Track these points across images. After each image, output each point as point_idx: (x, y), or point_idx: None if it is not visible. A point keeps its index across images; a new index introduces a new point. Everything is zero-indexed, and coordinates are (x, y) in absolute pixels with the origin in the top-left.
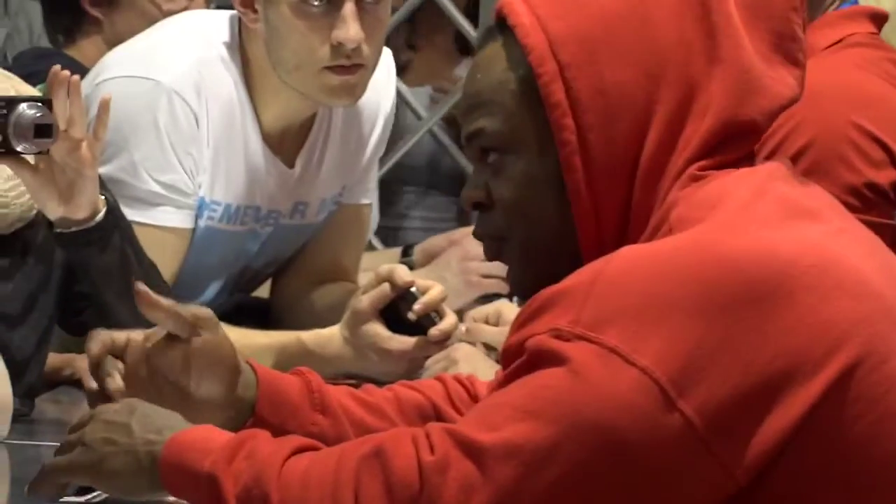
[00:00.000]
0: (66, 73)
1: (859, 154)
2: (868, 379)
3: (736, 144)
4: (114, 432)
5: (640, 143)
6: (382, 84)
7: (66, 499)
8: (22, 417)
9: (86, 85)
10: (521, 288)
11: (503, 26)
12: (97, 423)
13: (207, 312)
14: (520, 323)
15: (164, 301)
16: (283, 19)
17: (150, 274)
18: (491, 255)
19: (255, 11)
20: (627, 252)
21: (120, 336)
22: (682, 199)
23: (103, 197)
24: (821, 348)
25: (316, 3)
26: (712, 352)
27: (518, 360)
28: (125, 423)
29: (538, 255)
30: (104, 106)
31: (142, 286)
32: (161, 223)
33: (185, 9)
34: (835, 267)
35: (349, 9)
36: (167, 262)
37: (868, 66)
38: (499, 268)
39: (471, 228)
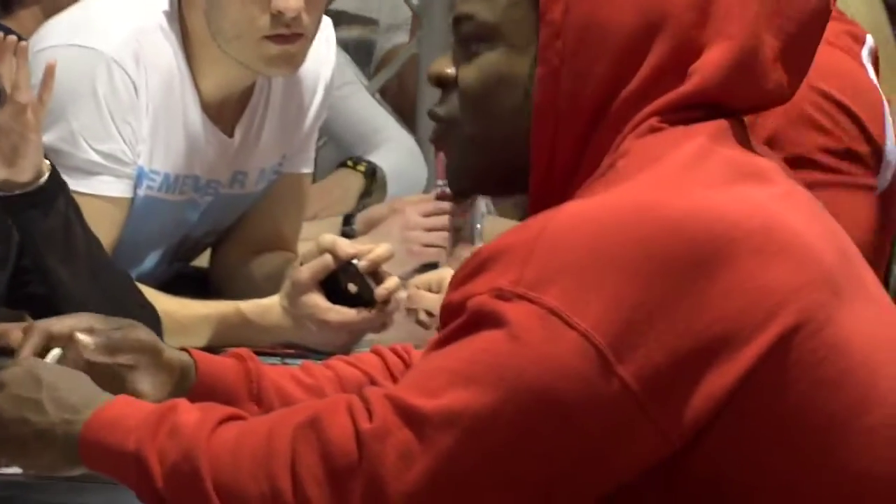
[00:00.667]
0: (13, 37)
1: (828, 118)
2: (805, 345)
3: (703, 114)
4: (25, 409)
5: (618, 87)
6: (322, 53)
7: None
8: None
9: None
10: (456, 178)
11: None
12: (6, 397)
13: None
14: (460, 279)
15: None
16: None
17: (91, 239)
18: (436, 139)
19: None
20: (571, 209)
21: (59, 330)
22: (633, 149)
23: (47, 161)
24: (759, 313)
25: None
26: (650, 315)
27: (458, 319)
28: (36, 399)
29: (481, 150)
30: (50, 70)
31: None
32: (100, 192)
33: None
34: (779, 231)
35: None
36: (106, 232)
37: (832, 38)
38: (440, 238)
39: (412, 198)
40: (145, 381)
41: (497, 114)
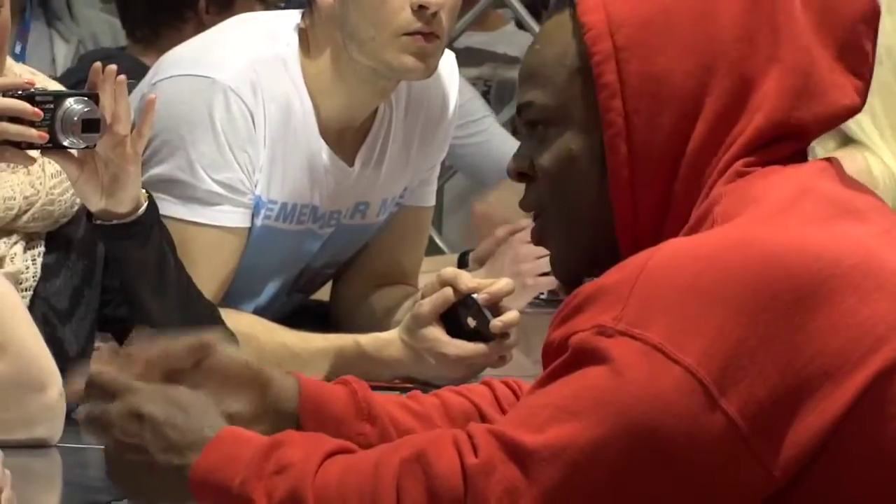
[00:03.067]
0: (112, 67)
1: None
2: None
3: (783, 145)
4: (131, 453)
5: (687, 134)
6: (447, 85)
7: None
8: (71, 417)
9: (144, 85)
10: (559, 267)
11: (572, 1)
12: (113, 441)
13: (203, 340)
14: (561, 318)
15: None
16: None
17: (182, 272)
18: (536, 237)
19: None
20: (671, 247)
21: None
22: (727, 193)
23: (145, 192)
24: (859, 349)
25: None
26: (753, 350)
27: (561, 356)
28: (137, 443)
29: (575, 233)
30: (150, 104)
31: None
32: (219, 223)
33: None
34: (877, 268)
35: None
36: (224, 262)
37: None
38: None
39: (513, 227)
40: (232, 402)
41: (579, 192)
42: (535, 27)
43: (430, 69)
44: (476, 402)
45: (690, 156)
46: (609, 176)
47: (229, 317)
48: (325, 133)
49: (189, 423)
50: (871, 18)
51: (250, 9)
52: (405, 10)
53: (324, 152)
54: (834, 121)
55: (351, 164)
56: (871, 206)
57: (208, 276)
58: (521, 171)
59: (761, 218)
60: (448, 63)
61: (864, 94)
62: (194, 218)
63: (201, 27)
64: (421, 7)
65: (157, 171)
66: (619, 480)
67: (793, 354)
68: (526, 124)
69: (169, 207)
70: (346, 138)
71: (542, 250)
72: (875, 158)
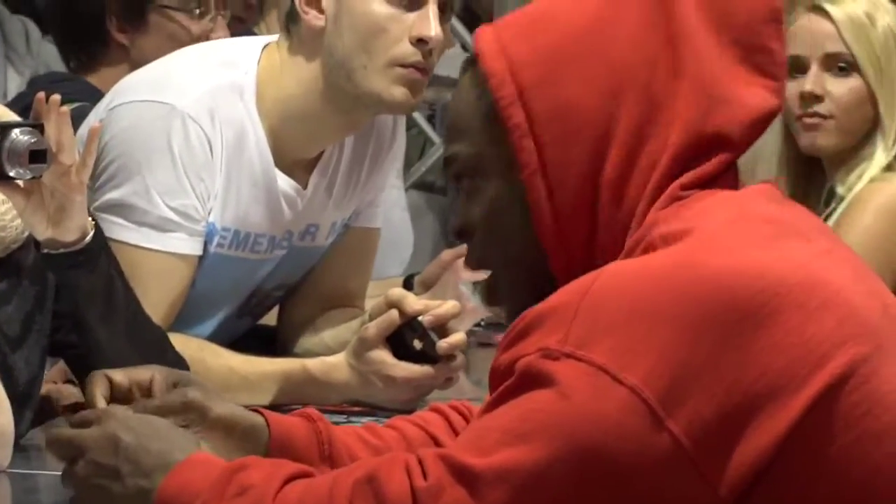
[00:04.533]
0: (56, 97)
1: None
2: (849, 399)
3: (709, 158)
4: (103, 478)
5: (602, 160)
6: None
7: None
8: (22, 444)
9: (101, 110)
10: (511, 320)
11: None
12: (86, 463)
13: (191, 397)
14: (508, 342)
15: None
16: (361, 13)
17: (131, 297)
18: (485, 296)
19: (322, 10)
20: (615, 268)
21: (121, 380)
22: (663, 218)
23: (91, 220)
24: (804, 367)
25: None
26: (699, 370)
27: (507, 380)
28: (113, 466)
29: (517, 282)
30: (94, 133)
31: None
32: (171, 249)
33: (212, 31)
34: (821, 287)
35: (433, 9)
36: (174, 288)
37: None
38: None
39: (457, 250)
40: (204, 440)
41: (511, 239)
42: None
43: (416, 104)
44: (432, 433)
45: (609, 181)
46: (531, 213)
47: (177, 341)
48: (280, 160)
49: (161, 447)
50: (774, 19)
51: (168, 23)
52: (404, 41)
53: (279, 179)
54: (757, 124)
55: (305, 186)
56: (813, 227)
57: (158, 300)
58: (461, 229)
59: (704, 240)
60: None
61: (780, 94)
62: (146, 244)
63: (123, 48)
64: (420, 41)
65: (112, 195)
66: (565, 502)
67: (738, 374)
68: (453, 178)
69: (122, 232)
70: (301, 163)
71: (485, 273)
72: None
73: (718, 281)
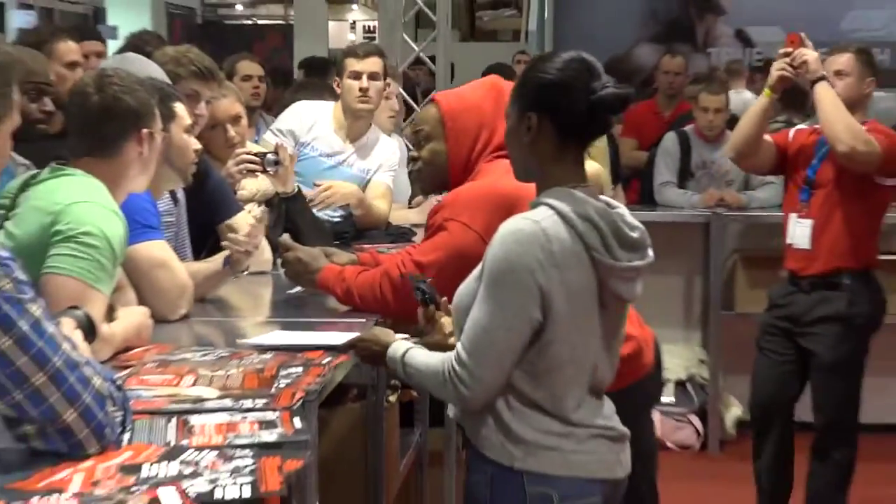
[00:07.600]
0: (285, 146)
1: None
2: None
3: (503, 148)
4: (300, 268)
5: (474, 145)
6: None
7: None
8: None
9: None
10: (423, 190)
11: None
12: (293, 259)
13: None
14: (431, 213)
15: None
16: None
17: (312, 215)
18: (417, 182)
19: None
20: (469, 185)
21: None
22: (484, 169)
23: (296, 185)
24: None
25: None
26: (490, 224)
27: (431, 229)
28: (303, 264)
29: (431, 179)
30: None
31: None
32: None
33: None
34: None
35: None
36: None
37: None
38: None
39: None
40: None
41: (435, 162)
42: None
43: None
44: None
45: (476, 154)
46: (449, 157)
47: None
48: None
49: (319, 259)
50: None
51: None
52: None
53: None
54: (505, 139)
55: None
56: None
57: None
58: (416, 159)
59: (496, 177)
60: None
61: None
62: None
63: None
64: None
65: None
66: (449, 266)
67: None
68: (418, 137)
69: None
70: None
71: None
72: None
73: (499, 191)
